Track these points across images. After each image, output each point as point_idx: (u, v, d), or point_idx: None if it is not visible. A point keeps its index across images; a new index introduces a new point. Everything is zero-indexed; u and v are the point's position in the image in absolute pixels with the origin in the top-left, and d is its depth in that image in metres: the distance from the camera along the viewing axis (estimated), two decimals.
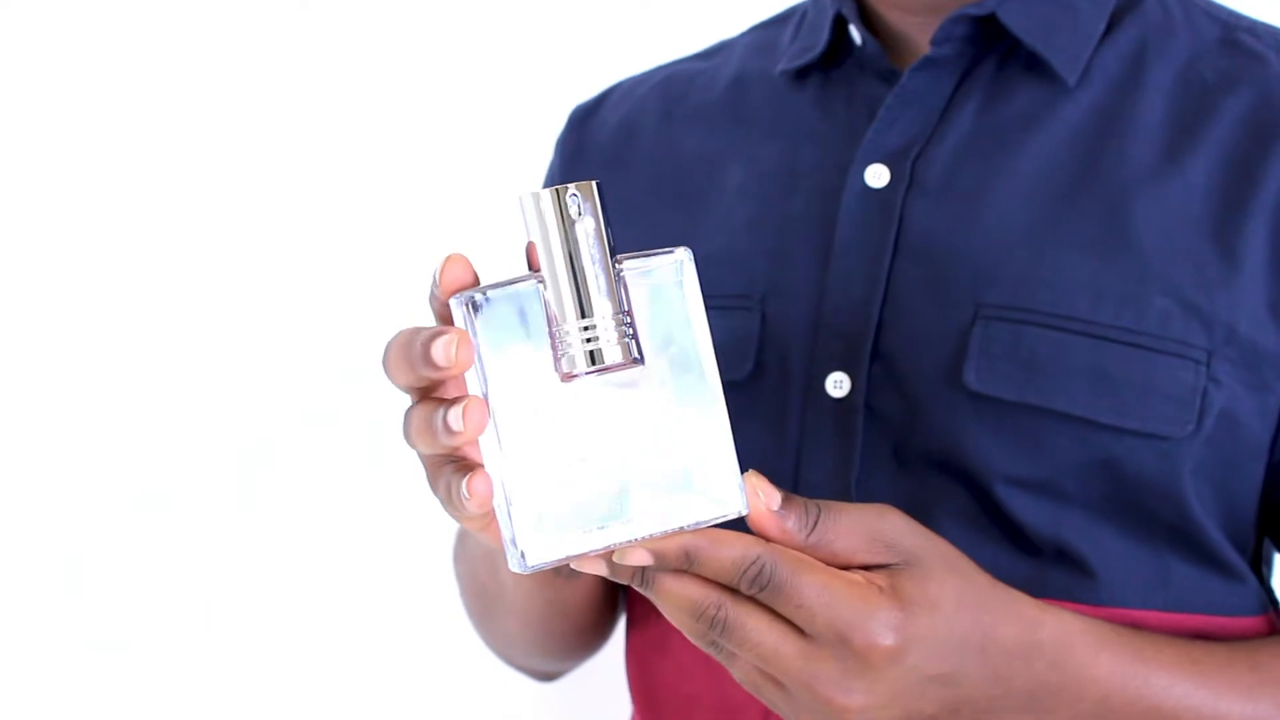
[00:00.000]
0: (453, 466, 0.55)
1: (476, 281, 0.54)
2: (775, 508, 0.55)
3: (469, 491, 0.52)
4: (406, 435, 0.56)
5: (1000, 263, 0.70)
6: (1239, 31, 0.76)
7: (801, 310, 0.74)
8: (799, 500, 0.56)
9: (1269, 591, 0.77)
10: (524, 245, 0.54)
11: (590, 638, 0.87)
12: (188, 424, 1.36)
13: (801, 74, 0.81)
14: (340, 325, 1.35)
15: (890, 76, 0.76)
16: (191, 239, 1.36)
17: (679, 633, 0.79)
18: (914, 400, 0.71)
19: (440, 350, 0.51)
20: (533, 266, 0.54)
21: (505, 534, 0.54)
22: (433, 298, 0.55)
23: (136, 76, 1.35)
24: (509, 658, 0.92)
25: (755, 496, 0.55)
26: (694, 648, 0.78)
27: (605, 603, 0.85)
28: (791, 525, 0.56)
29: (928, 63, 0.74)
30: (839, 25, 0.79)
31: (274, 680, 1.37)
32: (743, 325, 0.75)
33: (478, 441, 0.54)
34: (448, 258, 0.53)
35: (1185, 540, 0.71)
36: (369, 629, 1.36)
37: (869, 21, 0.79)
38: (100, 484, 1.35)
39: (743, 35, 0.89)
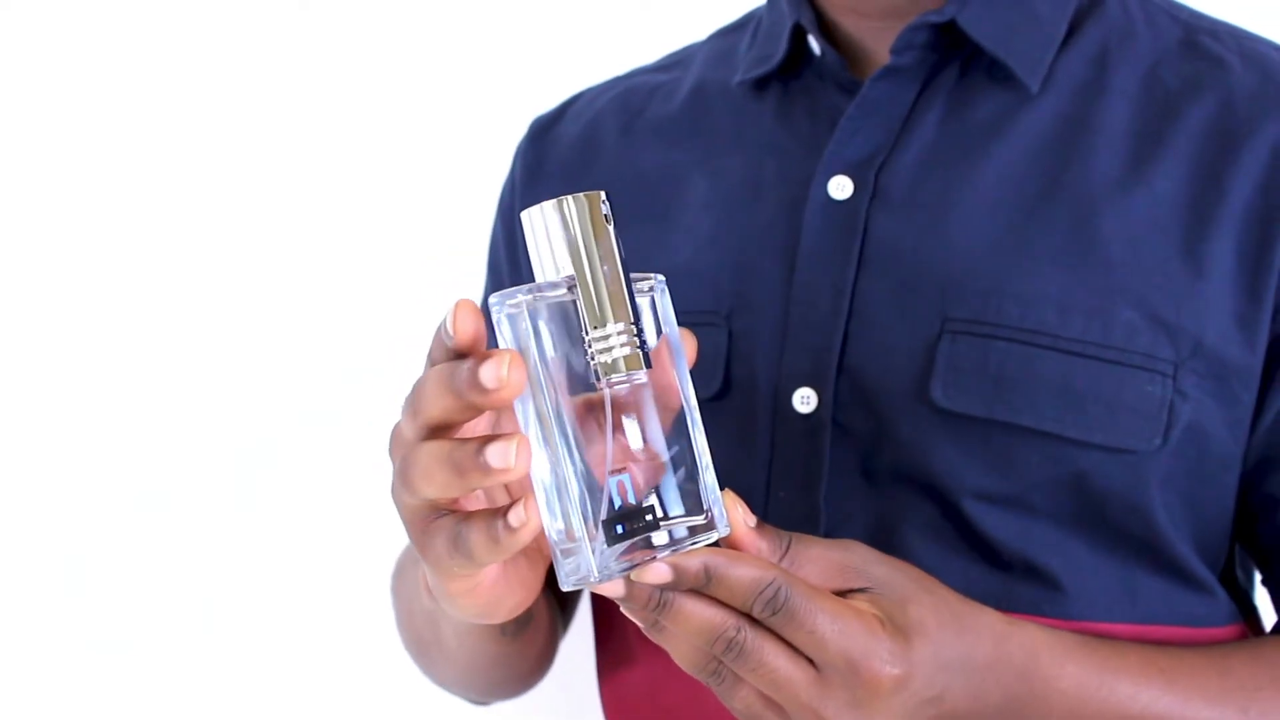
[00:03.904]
0: (454, 517, 0.52)
1: (481, 330, 0.51)
2: (751, 525, 0.55)
3: (525, 514, 0.49)
4: (408, 477, 0.52)
5: (966, 276, 0.70)
6: (1200, 34, 0.75)
7: (768, 326, 0.73)
8: (770, 528, 0.56)
9: (1243, 602, 0.77)
10: (536, 254, 0.53)
11: (529, 682, 0.88)
12: (188, 424, 1.36)
13: (760, 84, 0.80)
14: (340, 325, 1.35)
15: (851, 87, 0.75)
16: (191, 239, 1.36)
17: (647, 647, 0.79)
18: (881, 416, 0.70)
19: (490, 372, 0.48)
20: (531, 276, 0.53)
21: (560, 550, 0.51)
22: (436, 345, 0.52)
23: (136, 76, 1.35)
24: (445, 687, 0.92)
25: (735, 513, 0.55)
26: (662, 659, 0.77)
27: (546, 652, 0.85)
28: (765, 549, 0.56)
29: (888, 72, 0.73)
30: (797, 35, 0.78)
31: (274, 680, 1.37)
32: (710, 342, 0.74)
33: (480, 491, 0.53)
34: (458, 305, 0.50)
35: (1152, 553, 0.70)
36: (369, 629, 1.36)
37: (827, 30, 0.78)
38: (100, 484, 1.36)
39: (703, 43, 0.88)
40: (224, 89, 1.36)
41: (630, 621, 0.80)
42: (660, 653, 0.78)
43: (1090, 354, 0.68)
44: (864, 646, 0.56)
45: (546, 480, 0.52)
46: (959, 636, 0.60)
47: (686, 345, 0.56)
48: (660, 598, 0.54)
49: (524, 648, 0.79)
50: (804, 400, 0.71)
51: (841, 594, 0.58)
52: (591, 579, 0.52)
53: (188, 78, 1.36)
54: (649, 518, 0.52)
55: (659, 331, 0.54)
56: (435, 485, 0.51)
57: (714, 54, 0.85)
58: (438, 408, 0.50)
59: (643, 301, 0.54)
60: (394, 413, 1.43)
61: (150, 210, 1.36)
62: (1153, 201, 0.69)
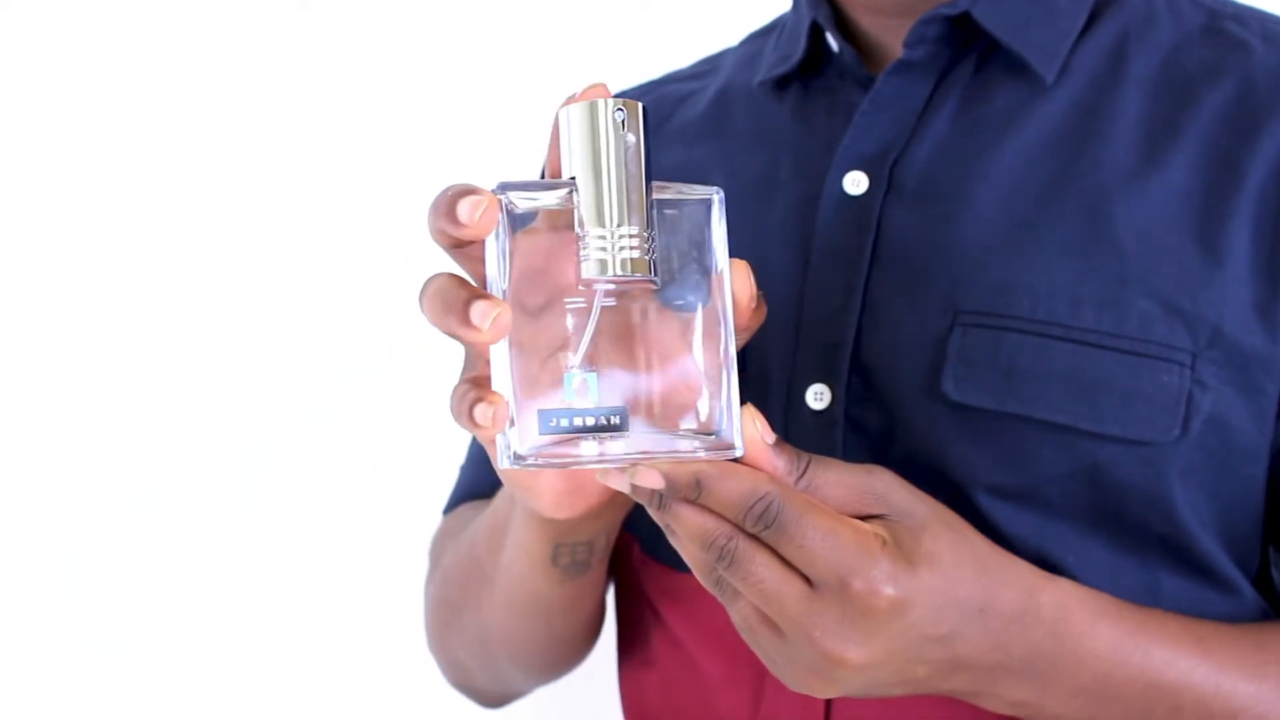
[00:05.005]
0: (468, 382, 0.55)
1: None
2: (770, 442, 0.56)
3: (490, 417, 0.52)
4: (421, 292, 0.55)
5: (977, 268, 0.69)
6: (1224, 19, 0.74)
7: (781, 321, 0.72)
8: (790, 447, 0.57)
9: (1277, 602, 0.74)
10: (553, 156, 0.56)
11: (558, 656, 0.86)
12: (188, 424, 1.36)
13: (782, 84, 0.79)
14: (340, 325, 1.35)
15: (868, 83, 0.75)
16: (191, 239, 1.36)
17: (665, 649, 0.79)
18: (893, 411, 0.69)
19: (466, 209, 0.52)
20: (552, 174, 0.56)
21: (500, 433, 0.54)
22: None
23: (136, 76, 1.35)
24: (467, 669, 0.89)
25: (752, 426, 0.55)
26: (679, 663, 0.78)
27: (589, 625, 0.84)
28: (782, 468, 0.56)
29: (902, 66, 0.73)
30: (816, 33, 0.77)
31: (274, 680, 1.37)
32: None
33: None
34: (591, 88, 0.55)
35: (1175, 549, 0.68)
36: (369, 629, 1.36)
37: (846, 28, 0.78)
38: (100, 484, 1.35)
39: (735, 48, 0.88)
40: (224, 89, 1.36)
41: (651, 623, 0.80)
42: (675, 655, 0.78)
43: (1104, 344, 0.66)
44: (855, 562, 0.55)
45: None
46: (978, 579, 0.59)
47: (740, 273, 0.57)
48: (660, 499, 0.55)
49: (572, 601, 0.78)
50: (817, 396, 0.71)
51: (857, 519, 0.57)
52: (503, 461, 0.54)
53: (188, 78, 1.35)
54: (594, 420, 0.54)
55: (703, 249, 0.56)
56: (430, 311, 0.54)
57: (742, 58, 0.85)
58: (432, 227, 0.54)
59: (679, 215, 0.55)
60: (394, 413, 1.44)
61: (150, 210, 1.36)
62: (1168, 189, 0.68)
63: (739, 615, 0.59)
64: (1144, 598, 0.68)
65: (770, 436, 0.56)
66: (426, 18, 1.35)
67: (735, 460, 0.55)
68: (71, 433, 1.36)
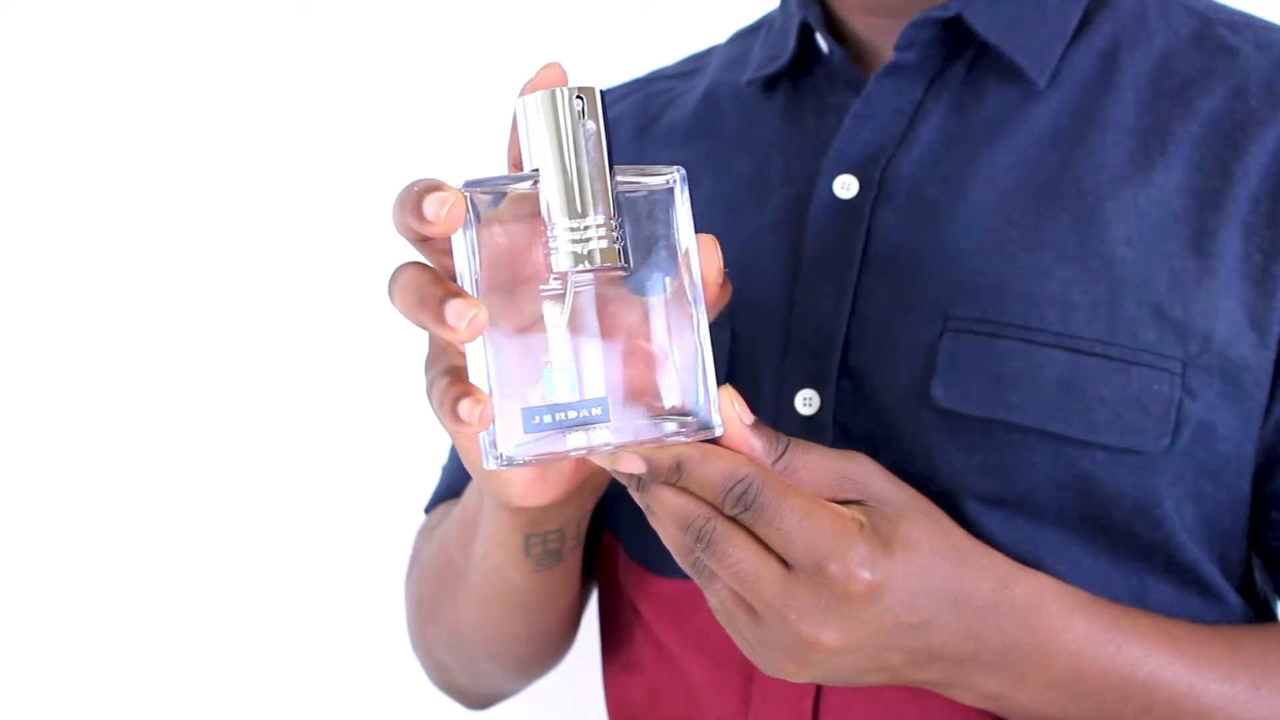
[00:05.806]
0: (447, 374, 0.55)
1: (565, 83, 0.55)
2: (747, 423, 0.56)
3: (475, 415, 0.52)
4: (390, 282, 0.55)
5: (968, 273, 0.68)
6: (1217, 25, 0.73)
7: (771, 326, 0.72)
8: (768, 428, 0.57)
9: (1263, 611, 0.74)
10: (516, 146, 0.55)
11: (537, 653, 0.85)
12: (188, 424, 1.36)
13: (770, 84, 0.79)
14: (340, 324, 1.35)
15: (858, 84, 0.74)
16: (191, 239, 1.36)
17: (650, 654, 0.78)
18: (883, 418, 0.69)
19: (433, 206, 0.51)
20: (516, 166, 0.55)
21: (484, 432, 0.54)
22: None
23: (136, 76, 1.35)
24: (447, 668, 0.88)
25: (730, 406, 0.55)
26: (666, 668, 0.78)
27: (566, 620, 0.83)
28: (759, 449, 0.56)
29: (893, 69, 0.72)
30: (805, 34, 0.77)
31: (274, 680, 1.37)
32: (713, 342, 0.73)
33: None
34: (545, 67, 0.55)
35: (1162, 557, 0.68)
36: (368, 629, 1.36)
37: (836, 29, 0.77)
38: (100, 484, 1.35)
39: (722, 45, 0.87)
40: (224, 89, 1.36)
41: (635, 627, 0.80)
42: (661, 660, 0.78)
43: (1095, 352, 0.66)
44: (832, 545, 0.55)
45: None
46: (955, 569, 0.59)
47: (706, 248, 0.57)
48: (640, 480, 0.55)
49: (547, 594, 0.77)
50: (806, 402, 0.70)
51: (836, 503, 0.57)
52: (490, 462, 0.54)
53: (188, 78, 1.35)
54: (576, 414, 0.54)
55: (670, 230, 0.56)
56: (402, 303, 0.54)
57: (730, 56, 0.84)
58: (397, 221, 0.54)
59: (643, 199, 0.55)
60: (394, 414, 1.43)
61: (151, 210, 1.36)
62: (1159, 196, 0.68)
63: (715, 598, 0.59)
64: (1131, 605, 0.68)
65: (749, 417, 0.56)
66: (426, 17, 1.35)
67: (714, 441, 0.56)
68: (71, 432, 1.36)
